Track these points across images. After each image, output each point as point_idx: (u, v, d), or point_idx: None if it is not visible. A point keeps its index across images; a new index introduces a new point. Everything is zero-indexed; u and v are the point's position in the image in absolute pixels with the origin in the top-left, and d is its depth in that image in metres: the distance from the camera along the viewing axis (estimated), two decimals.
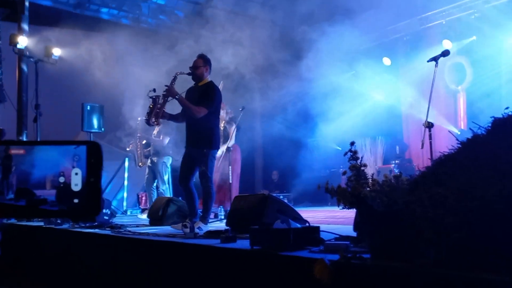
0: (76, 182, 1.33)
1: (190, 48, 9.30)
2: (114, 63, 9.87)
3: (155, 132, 8.74)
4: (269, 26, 9.82)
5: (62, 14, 10.39)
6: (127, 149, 9.02)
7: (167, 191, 8.77)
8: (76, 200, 1.32)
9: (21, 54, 10.09)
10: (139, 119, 8.77)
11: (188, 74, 6.05)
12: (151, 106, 5.95)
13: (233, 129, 8.74)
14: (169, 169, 8.88)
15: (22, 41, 10.11)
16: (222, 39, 9.42)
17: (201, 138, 5.85)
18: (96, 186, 1.31)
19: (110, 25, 10.58)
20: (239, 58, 9.11)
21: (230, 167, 8.55)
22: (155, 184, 8.75)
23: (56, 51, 11.07)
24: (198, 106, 5.80)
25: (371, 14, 9.32)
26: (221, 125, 8.34)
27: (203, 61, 6.08)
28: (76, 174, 1.34)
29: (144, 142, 8.93)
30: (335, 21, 9.09)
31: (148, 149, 8.92)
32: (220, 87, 8.80)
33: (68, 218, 6.45)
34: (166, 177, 8.81)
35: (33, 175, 1.32)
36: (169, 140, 8.82)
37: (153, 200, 8.23)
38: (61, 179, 1.33)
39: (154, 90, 6.03)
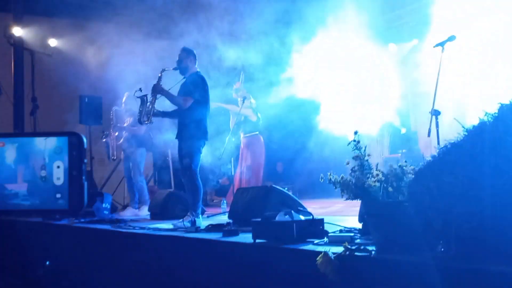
0: (58, 175, 1.25)
1: (188, 38, 9.22)
2: (112, 54, 9.70)
3: (128, 121, 8.25)
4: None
5: (57, 3, 10.20)
6: (103, 140, 8.39)
7: (144, 183, 8.37)
8: (58, 195, 1.24)
9: (17, 45, 9.93)
10: (114, 108, 8.33)
11: (174, 69, 6.08)
12: (140, 107, 5.99)
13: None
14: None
15: (17, 32, 9.92)
16: (223, 28, 9.28)
17: (186, 130, 5.82)
18: (79, 180, 1.23)
19: (107, 15, 10.39)
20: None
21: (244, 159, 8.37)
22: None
23: (52, 42, 10.94)
24: (183, 97, 5.80)
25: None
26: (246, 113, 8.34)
27: (185, 53, 6.10)
28: (58, 167, 1.26)
29: (116, 134, 8.38)
30: None
31: (120, 141, 8.38)
32: (241, 78, 8.59)
33: (49, 215, 6.39)
34: (142, 168, 8.41)
35: (10, 169, 1.24)
36: (146, 130, 8.36)
37: (135, 193, 8.02)
38: (43, 173, 1.25)
39: (141, 90, 6.06)
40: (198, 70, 6.14)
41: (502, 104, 2.42)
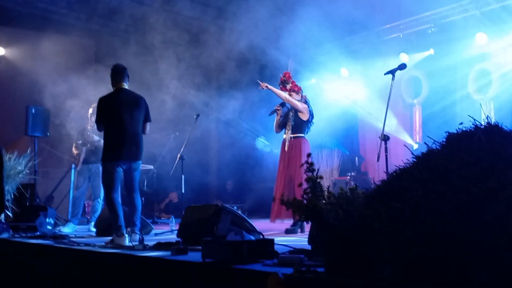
0: None
1: (140, 51, 9.18)
2: (61, 65, 9.49)
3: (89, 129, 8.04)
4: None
5: (7, 12, 9.92)
6: (75, 152, 8.20)
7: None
8: None
9: None
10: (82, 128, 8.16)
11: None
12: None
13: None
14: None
15: None
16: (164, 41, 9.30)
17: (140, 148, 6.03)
18: None
19: (60, 25, 10.18)
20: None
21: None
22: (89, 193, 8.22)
23: (0, 51, 10.64)
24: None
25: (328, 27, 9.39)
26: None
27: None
28: None
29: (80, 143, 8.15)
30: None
31: (77, 152, 8.10)
32: (289, 67, 8.05)
33: None
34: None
35: None
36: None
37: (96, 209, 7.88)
38: None
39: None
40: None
41: (449, 133, 2.52)
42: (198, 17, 10.52)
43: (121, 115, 5.82)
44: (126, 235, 5.38)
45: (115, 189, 5.75)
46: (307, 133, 7.05)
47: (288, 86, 7.08)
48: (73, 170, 8.16)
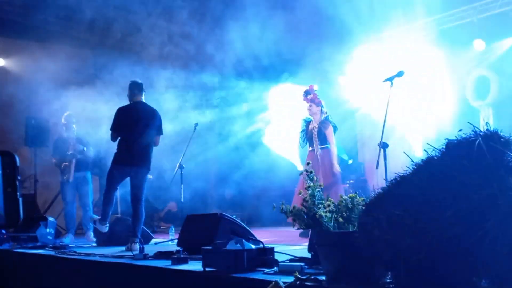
0: None
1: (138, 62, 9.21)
2: (60, 76, 9.50)
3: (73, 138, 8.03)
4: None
5: (7, 23, 9.95)
6: (65, 163, 8.07)
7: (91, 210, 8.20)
8: None
9: None
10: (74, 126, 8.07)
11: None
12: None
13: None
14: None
15: None
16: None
17: (145, 158, 6.42)
18: (13, 196, 1.25)
19: (59, 36, 10.21)
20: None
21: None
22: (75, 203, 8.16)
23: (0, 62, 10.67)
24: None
25: None
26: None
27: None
28: None
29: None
30: None
31: (65, 163, 7.95)
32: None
33: None
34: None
35: None
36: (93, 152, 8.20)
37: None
38: None
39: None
40: None
41: (449, 140, 2.52)
42: (197, 27, 10.56)
43: (137, 126, 6.26)
44: (107, 225, 6.29)
45: (115, 189, 6.36)
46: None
47: (309, 96, 7.49)
48: (64, 183, 7.96)
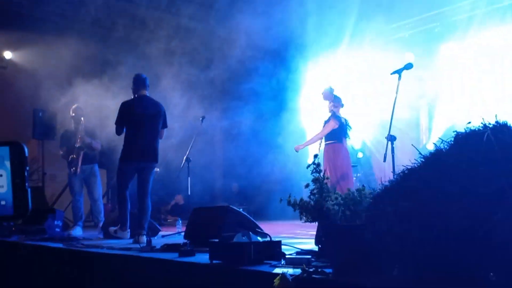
0: (1, 184, 1.26)
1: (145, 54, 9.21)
2: (68, 68, 9.51)
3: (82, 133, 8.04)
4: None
5: (14, 15, 9.96)
6: (73, 156, 8.05)
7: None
8: (3, 202, 1.25)
9: None
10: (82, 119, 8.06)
11: None
12: None
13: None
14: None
15: None
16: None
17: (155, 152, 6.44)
18: (22, 187, 1.25)
19: (66, 29, 10.22)
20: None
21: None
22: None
23: (7, 55, 10.68)
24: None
25: None
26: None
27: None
28: (1, 175, 1.26)
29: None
30: None
31: (72, 155, 7.88)
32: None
33: None
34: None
35: None
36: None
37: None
38: None
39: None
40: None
41: (457, 133, 2.50)
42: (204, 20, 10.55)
43: (142, 120, 6.29)
44: (128, 231, 6.16)
45: (127, 187, 6.30)
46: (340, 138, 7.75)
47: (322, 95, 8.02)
48: (71, 176, 7.96)
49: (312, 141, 7.96)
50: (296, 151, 7.92)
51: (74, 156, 7.86)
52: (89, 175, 7.97)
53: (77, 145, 7.85)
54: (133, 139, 6.28)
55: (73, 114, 8.03)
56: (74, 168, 7.84)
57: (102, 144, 8.08)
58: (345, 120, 7.89)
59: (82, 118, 7.99)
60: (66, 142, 8.04)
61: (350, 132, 7.93)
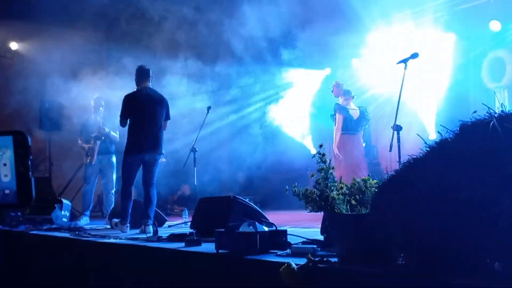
0: (5, 173, 1.27)
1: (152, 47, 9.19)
2: (74, 59, 9.52)
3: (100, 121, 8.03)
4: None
5: (20, 6, 9.97)
6: (86, 146, 8.09)
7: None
8: (7, 191, 1.26)
9: None
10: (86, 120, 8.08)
11: None
12: None
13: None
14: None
15: None
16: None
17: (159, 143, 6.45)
18: (26, 176, 1.26)
19: (72, 20, 10.20)
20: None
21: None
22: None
23: (13, 46, 10.70)
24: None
25: None
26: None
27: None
28: (5, 165, 1.27)
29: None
30: None
31: (89, 145, 8.01)
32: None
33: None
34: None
35: None
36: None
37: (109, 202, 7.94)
38: None
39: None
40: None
41: (463, 122, 2.49)
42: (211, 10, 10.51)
43: (145, 112, 6.30)
44: (128, 225, 6.10)
45: (132, 182, 6.31)
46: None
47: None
48: (87, 165, 8.01)
49: (336, 137, 8.15)
50: (338, 154, 7.99)
51: (91, 145, 7.93)
52: (106, 165, 8.03)
53: (94, 134, 7.90)
54: (137, 131, 6.29)
55: (93, 104, 8.08)
56: (90, 158, 7.90)
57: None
58: (364, 109, 8.22)
59: (101, 108, 8.01)
60: (85, 131, 8.10)
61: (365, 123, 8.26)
